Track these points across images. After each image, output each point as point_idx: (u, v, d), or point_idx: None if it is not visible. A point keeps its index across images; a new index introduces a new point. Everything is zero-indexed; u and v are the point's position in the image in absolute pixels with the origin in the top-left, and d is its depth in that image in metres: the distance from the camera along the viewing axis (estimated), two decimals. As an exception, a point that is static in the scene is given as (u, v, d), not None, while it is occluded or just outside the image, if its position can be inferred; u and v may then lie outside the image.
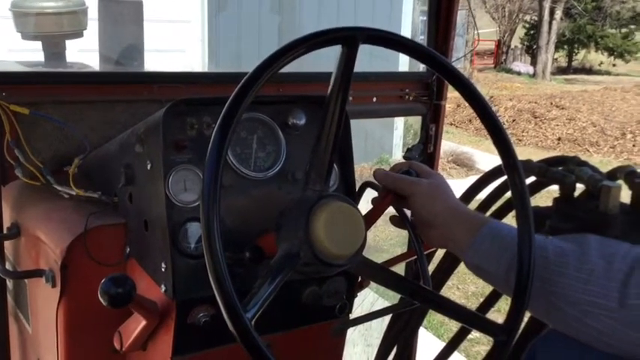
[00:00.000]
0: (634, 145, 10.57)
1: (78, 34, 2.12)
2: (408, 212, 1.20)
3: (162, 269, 1.05)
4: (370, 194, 1.37)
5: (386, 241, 5.44)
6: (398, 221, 1.23)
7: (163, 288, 1.06)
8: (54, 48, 2.06)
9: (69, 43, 2.10)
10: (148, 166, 1.09)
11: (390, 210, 1.28)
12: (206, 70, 6.62)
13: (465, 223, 1.10)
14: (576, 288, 0.96)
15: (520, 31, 25.16)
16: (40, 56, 2.06)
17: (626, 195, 1.28)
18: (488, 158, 8.49)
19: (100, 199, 1.23)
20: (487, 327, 1.01)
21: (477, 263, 1.07)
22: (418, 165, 1.21)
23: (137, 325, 1.10)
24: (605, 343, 0.95)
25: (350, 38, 0.91)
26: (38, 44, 2.04)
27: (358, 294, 1.30)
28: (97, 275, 0.99)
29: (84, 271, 1.14)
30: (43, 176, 1.31)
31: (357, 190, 1.28)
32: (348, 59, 0.93)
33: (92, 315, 1.15)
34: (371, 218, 1.16)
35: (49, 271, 1.18)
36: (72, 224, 1.16)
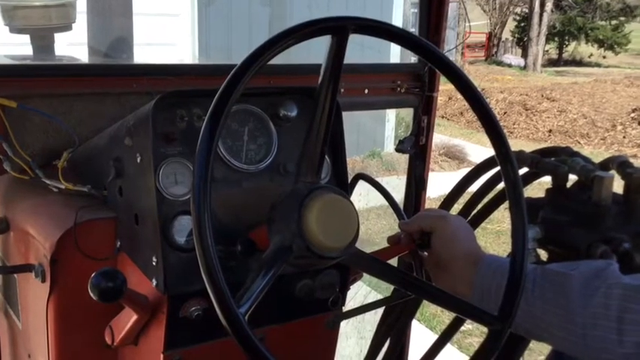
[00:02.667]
0: (624, 137, 10.62)
1: (66, 27, 2.09)
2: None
3: (153, 263, 1.04)
4: (362, 186, 1.37)
5: (378, 233, 5.44)
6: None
7: (154, 282, 1.05)
8: (42, 41, 2.03)
9: (58, 36, 2.08)
10: (138, 159, 1.07)
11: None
12: (197, 63, 6.59)
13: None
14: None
15: (511, 24, 25.19)
16: (28, 50, 2.04)
17: (618, 185, 1.28)
18: (479, 151, 8.51)
19: (89, 193, 1.21)
20: (481, 316, 1.01)
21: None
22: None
23: (128, 319, 1.09)
24: None
25: (339, 28, 0.91)
26: (26, 38, 2.02)
27: (351, 287, 1.30)
28: (87, 270, 0.98)
29: (74, 266, 1.13)
30: (31, 170, 1.30)
31: (349, 182, 1.27)
32: (337, 49, 0.92)
33: (83, 310, 1.14)
34: (382, 256, 1.15)
35: (39, 265, 1.17)
36: (61, 218, 1.15)
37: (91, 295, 0.95)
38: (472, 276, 1.08)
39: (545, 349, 1.26)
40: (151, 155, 1.04)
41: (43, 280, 1.16)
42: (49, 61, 1.97)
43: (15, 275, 1.34)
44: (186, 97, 1.09)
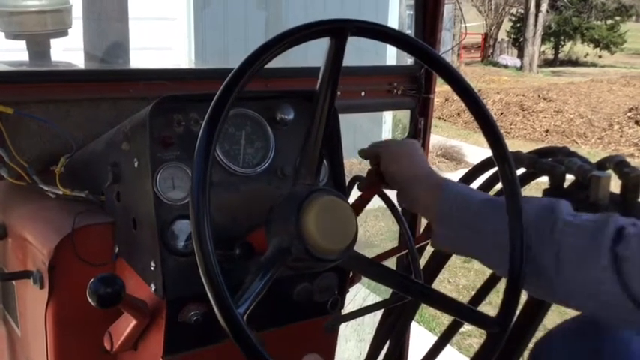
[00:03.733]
0: (621, 136, 10.62)
1: (62, 32, 2.09)
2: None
3: (152, 268, 1.04)
4: (360, 189, 1.37)
5: (377, 235, 5.44)
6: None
7: (153, 287, 1.05)
8: (38, 47, 2.03)
9: (54, 42, 2.07)
10: (135, 164, 1.07)
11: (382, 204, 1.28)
12: (193, 67, 6.59)
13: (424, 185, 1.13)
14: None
15: (506, 24, 25.21)
16: (24, 56, 2.03)
17: (615, 185, 1.28)
18: (476, 151, 8.51)
19: (87, 199, 1.21)
20: (479, 320, 1.01)
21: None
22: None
23: (127, 324, 1.09)
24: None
25: (339, 30, 0.91)
26: (22, 44, 2.02)
27: (350, 289, 1.30)
28: (86, 275, 0.98)
29: (72, 272, 1.13)
30: (29, 176, 1.29)
31: (347, 184, 1.27)
32: (337, 52, 0.92)
33: (81, 315, 1.13)
34: (358, 207, 1.16)
35: (37, 272, 1.17)
36: (59, 224, 1.15)
37: (90, 300, 0.95)
38: (435, 202, 1.10)
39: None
40: (148, 160, 1.04)
41: (42, 287, 1.16)
42: (45, 66, 1.97)
43: (13, 282, 1.34)
44: (183, 102, 1.09)
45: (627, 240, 0.91)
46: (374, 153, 1.21)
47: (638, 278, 0.89)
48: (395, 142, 1.22)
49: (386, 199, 1.29)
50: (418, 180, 1.14)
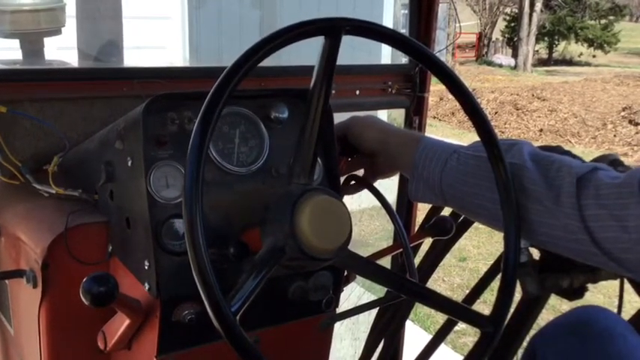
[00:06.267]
0: (615, 135, 10.67)
1: (56, 31, 2.08)
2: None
3: (146, 267, 1.04)
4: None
5: (371, 235, 5.45)
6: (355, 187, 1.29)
7: (147, 286, 1.04)
8: (31, 46, 2.02)
9: (47, 40, 2.07)
10: (129, 163, 1.07)
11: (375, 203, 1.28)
12: (187, 65, 6.58)
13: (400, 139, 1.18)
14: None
15: (501, 24, 25.28)
16: (17, 54, 2.03)
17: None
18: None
19: (80, 198, 1.21)
20: (473, 318, 1.01)
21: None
22: None
23: (121, 324, 1.08)
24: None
25: (332, 29, 0.91)
26: (15, 42, 2.01)
27: (344, 288, 1.29)
28: (79, 274, 0.98)
29: (65, 271, 1.12)
30: (22, 175, 1.29)
31: (341, 183, 1.27)
32: (330, 50, 0.92)
33: (75, 315, 1.13)
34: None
35: (30, 271, 1.16)
36: (52, 223, 1.14)
37: (83, 300, 0.95)
38: (412, 155, 1.15)
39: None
40: (141, 159, 1.03)
41: (35, 286, 1.15)
42: (38, 65, 1.96)
43: (6, 281, 1.34)
44: (177, 100, 1.09)
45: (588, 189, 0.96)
46: (341, 129, 1.24)
47: (600, 227, 0.93)
48: (359, 117, 1.27)
49: (380, 197, 1.29)
50: (393, 135, 1.19)
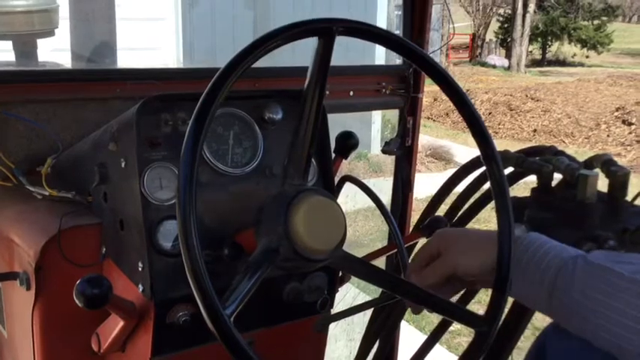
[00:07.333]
0: (608, 136, 10.70)
1: (49, 32, 2.08)
2: None
3: (139, 269, 1.04)
4: (349, 188, 1.37)
5: (366, 235, 5.45)
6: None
7: (141, 288, 1.04)
8: (25, 47, 2.02)
9: (40, 41, 2.06)
10: (122, 164, 1.07)
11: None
12: (181, 66, 6.57)
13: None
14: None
15: (494, 25, 25.33)
16: (10, 56, 2.02)
17: (603, 184, 1.29)
18: (465, 151, 8.54)
19: (73, 199, 1.20)
20: (468, 319, 1.01)
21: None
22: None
23: (115, 326, 1.08)
24: None
25: (326, 30, 0.90)
26: (9, 44, 2.00)
27: (339, 289, 1.29)
28: (73, 276, 0.97)
29: (59, 273, 1.12)
30: (15, 177, 1.28)
31: (336, 184, 1.27)
32: (324, 51, 0.92)
33: (69, 317, 1.13)
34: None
35: (24, 273, 1.16)
36: (46, 225, 1.14)
37: (77, 302, 0.94)
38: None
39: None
40: (135, 160, 1.03)
41: (28, 288, 1.15)
42: (31, 66, 1.96)
43: (0, 283, 1.33)
44: (171, 101, 1.09)
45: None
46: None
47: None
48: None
49: (374, 198, 1.30)
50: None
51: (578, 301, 0.94)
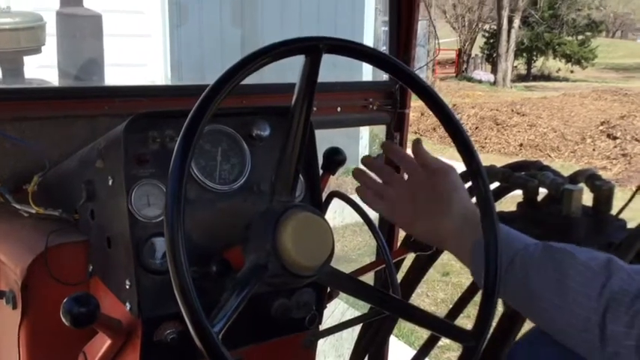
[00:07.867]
0: (594, 149, 10.79)
1: (36, 50, 2.08)
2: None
3: (127, 286, 1.03)
4: (337, 204, 1.37)
5: (354, 250, 5.44)
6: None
7: (128, 306, 1.03)
8: (11, 64, 2.02)
9: (27, 59, 2.06)
10: (110, 182, 1.06)
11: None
12: (169, 84, 6.57)
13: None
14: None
15: (480, 40, 25.57)
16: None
17: (588, 198, 1.31)
18: (452, 166, 8.57)
19: (60, 217, 1.20)
20: (456, 334, 1.01)
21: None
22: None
23: (102, 344, 1.07)
24: None
25: (313, 48, 0.91)
26: (-5, 61, 2.00)
27: (328, 305, 1.29)
28: (59, 295, 0.97)
29: (45, 291, 1.11)
30: (1, 195, 1.28)
31: (323, 200, 1.28)
32: (311, 69, 0.93)
33: (55, 336, 1.11)
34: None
35: (10, 292, 1.15)
36: (32, 243, 1.13)
37: (64, 320, 0.94)
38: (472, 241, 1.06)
39: None
40: (122, 177, 1.03)
41: (15, 307, 1.14)
42: (18, 84, 1.95)
43: (-15, 302, 1.32)
44: (158, 119, 1.09)
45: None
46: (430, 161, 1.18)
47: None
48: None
49: (362, 214, 1.30)
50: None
51: (532, 278, 0.99)
